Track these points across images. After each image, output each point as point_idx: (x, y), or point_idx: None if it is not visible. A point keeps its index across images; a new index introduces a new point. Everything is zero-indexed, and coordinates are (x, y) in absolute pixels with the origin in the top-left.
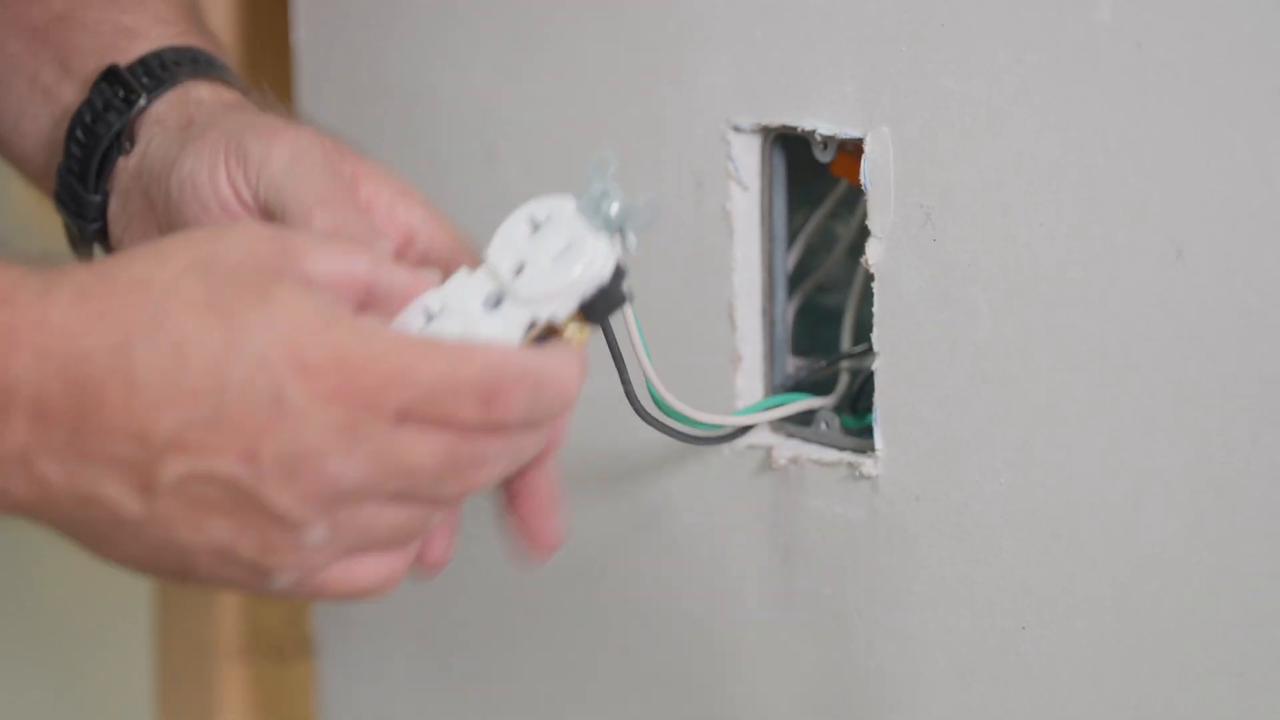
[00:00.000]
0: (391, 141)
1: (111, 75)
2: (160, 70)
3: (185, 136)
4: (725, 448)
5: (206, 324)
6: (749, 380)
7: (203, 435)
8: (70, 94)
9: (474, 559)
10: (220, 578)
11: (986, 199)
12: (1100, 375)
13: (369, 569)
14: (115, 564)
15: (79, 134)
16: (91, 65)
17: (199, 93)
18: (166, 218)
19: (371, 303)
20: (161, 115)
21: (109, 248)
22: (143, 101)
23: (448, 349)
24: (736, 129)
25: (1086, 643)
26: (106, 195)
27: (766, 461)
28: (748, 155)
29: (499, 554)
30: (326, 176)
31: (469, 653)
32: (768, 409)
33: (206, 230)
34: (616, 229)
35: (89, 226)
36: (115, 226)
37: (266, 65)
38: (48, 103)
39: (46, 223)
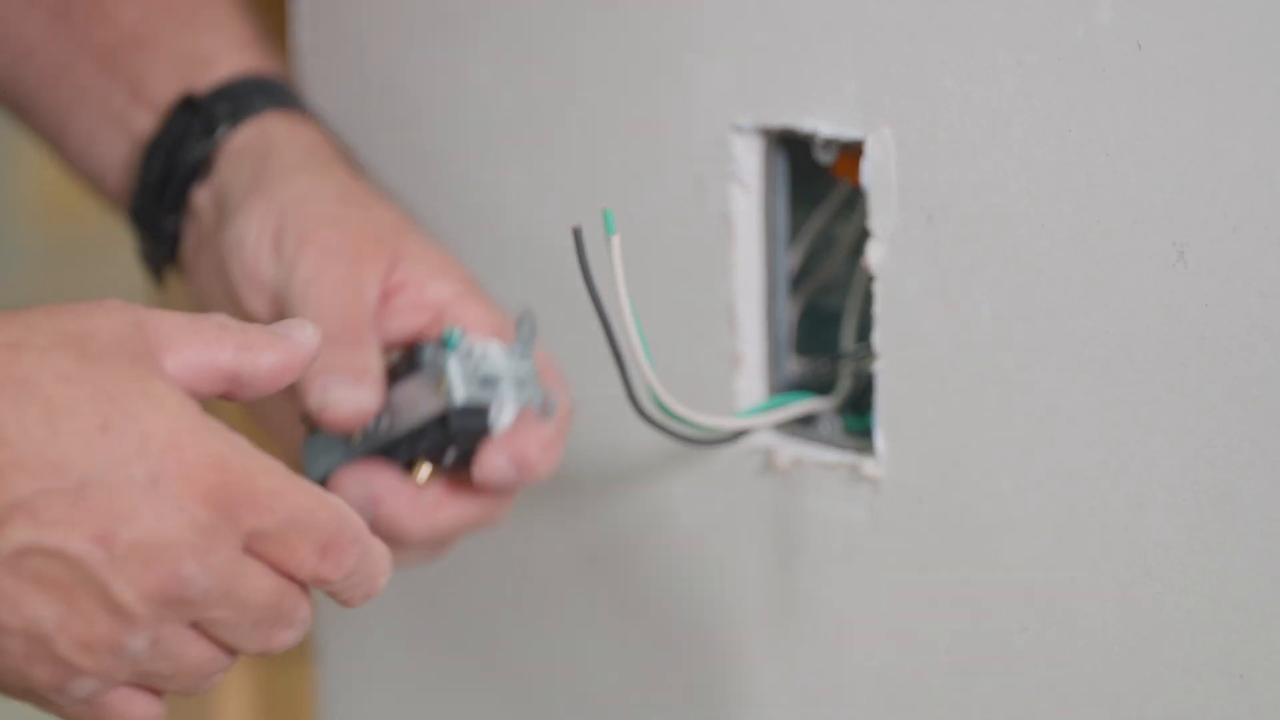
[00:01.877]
0: (391, 142)
1: (189, 104)
2: (238, 100)
3: (251, 184)
4: (726, 449)
5: (81, 398)
6: (750, 382)
7: (59, 508)
8: (144, 121)
9: (474, 562)
10: (15, 670)
11: (988, 200)
12: (1102, 377)
13: (143, 707)
14: None
15: (158, 161)
16: (166, 92)
17: (275, 129)
18: (223, 256)
19: (236, 390)
20: (239, 148)
21: (178, 267)
22: (221, 133)
23: (310, 489)
24: (738, 130)
25: (1088, 645)
26: (181, 218)
27: (768, 463)
28: (749, 156)
29: (499, 557)
30: (344, 298)
31: (469, 656)
32: (768, 410)
33: (72, 307)
34: (480, 388)
35: (162, 250)
36: (187, 249)
37: None
38: (119, 128)
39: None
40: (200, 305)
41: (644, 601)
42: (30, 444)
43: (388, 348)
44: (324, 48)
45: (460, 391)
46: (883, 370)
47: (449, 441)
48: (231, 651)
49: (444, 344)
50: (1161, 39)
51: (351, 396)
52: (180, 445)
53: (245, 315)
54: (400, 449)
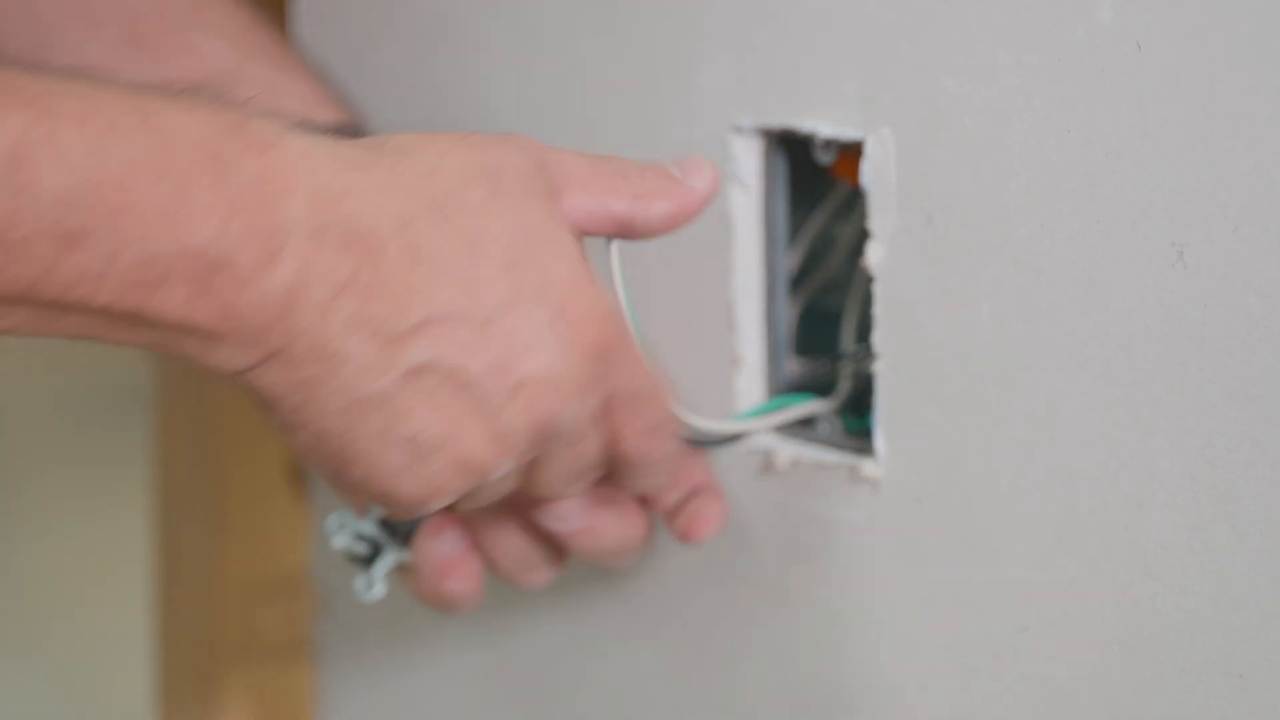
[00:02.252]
0: None
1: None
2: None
3: None
4: (725, 451)
5: (496, 232)
6: (749, 383)
7: (467, 331)
8: None
9: None
10: (386, 480)
11: (987, 201)
12: (1101, 377)
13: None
14: (286, 433)
15: None
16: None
17: None
18: None
19: (627, 233)
20: None
21: None
22: None
23: (650, 369)
24: (737, 130)
25: (1087, 645)
26: None
27: (767, 464)
28: (748, 157)
29: None
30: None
31: (468, 655)
32: (767, 414)
33: (480, 138)
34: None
35: None
36: None
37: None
38: None
39: None
40: None
41: (643, 601)
42: (448, 267)
43: None
44: (324, 46)
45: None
46: (882, 371)
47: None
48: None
49: None
50: (1161, 39)
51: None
52: (578, 294)
53: None
54: None
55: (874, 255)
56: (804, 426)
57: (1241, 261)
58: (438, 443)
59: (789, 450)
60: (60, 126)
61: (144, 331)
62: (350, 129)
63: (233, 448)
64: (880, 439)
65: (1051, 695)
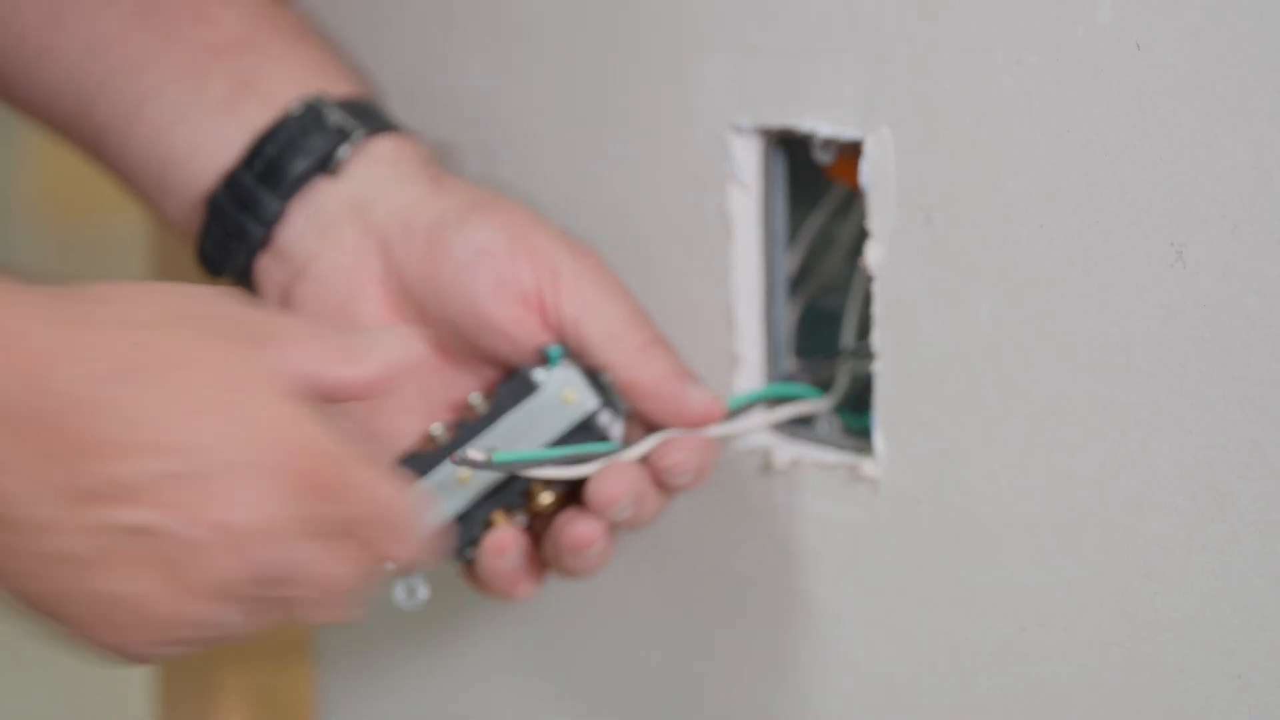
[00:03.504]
0: None
1: (316, 103)
2: (373, 113)
3: (445, 197)
4: (725, 449)
5: (209, 383)
6: (748, 382)
7: (179, 491)
8: (256, 110)
9: None
10: (118, 633)
11: (986, 201)
12: (1100, 377)
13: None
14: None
15: (278, 142)
16: (285, 91)
17: (424, 151)
18: (430, 265)
19: (330, 399)
20: (388, 154)
21: (262, 264)
22: (359, 137)
23: (395, 483)
24: (737, 130)
25: (1086, 645)
26: (286, 204)
27: (766, 463)
28: (748, 156)
29: None
30: (630, 308)
31: (468, 657)
32: (762, 399)
33: (191, 288)
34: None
35: (257, 231)
36: (299, 244)
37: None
38: (219, 113)
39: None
40: (314, 302)
41: (641, 601)
42: (142, 420)
43: None
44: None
45: (591, 397)
46: (881, 370)
47: (580, 458)
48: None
49: (548, 360)
50: (1161, 39)
51: (712, 393)
52: (286, 433)
53: (469, 322)
54: (517, 480)
55: (873, 255)
56: (803, 426)
57: (1240, 262)
58: (134, 601)
59: (788, 450)
60: None
61: None
62: (362, 102)
63: None
64: (879, 439)
65: (1050, 695)
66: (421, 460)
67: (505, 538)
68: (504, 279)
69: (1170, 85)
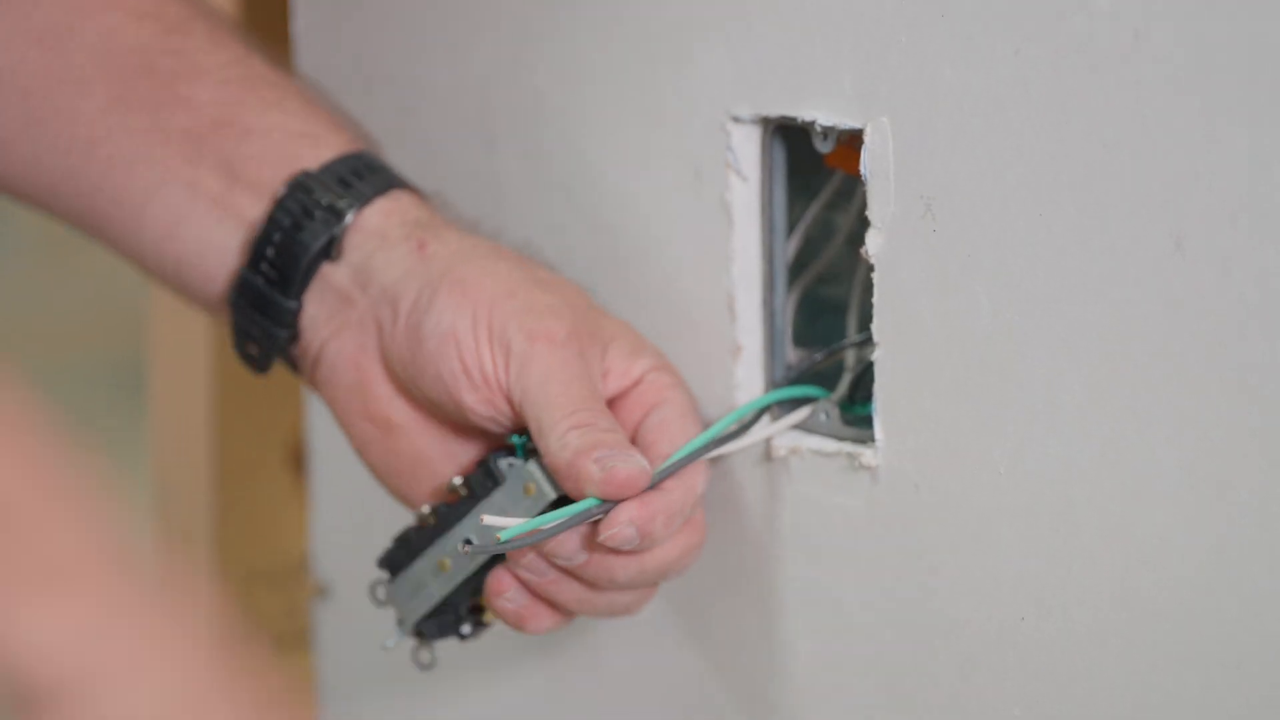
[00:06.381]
0: (389, 132)
1: (301, 184)
2: (358, 178)
3: (427, 268)
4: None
5: None
6: (749, 371)
7: None
8: (248, 202)
9: None
10: None
11: (986, 189)
12: (1099, 366)
13: None
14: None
15: (276, 241)
16: (270, 174)
17: (411, 210)
18: (408, 350)
19: None
20: (376, 227)
21: (296, 354)
22: (351, 214)
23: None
24: (736, 120)
25: (1085, 634)
26: (301, 300)
27: (765, 452)
28: (747, 146)
29: None
30: (584, 390)
31: (467, 648)
32: (766, 407)
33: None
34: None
35: (281, 333)
36: (313, 332)
37: (265, 55)
38: (216, 210)
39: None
40: (331, 386)
41: None
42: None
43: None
44: (322, 37)
45: (551, 487)
46: (881, 359)
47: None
48: None
49: (513, 452)
50: (1159, 28)
51: (632, 461)
52: None
53: (449, 405)
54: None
55: (872, 244)
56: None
57: (1239, 251)
58: None
59: (788, 438)
60: None
61: None
62: (350, 161)
63: (232, 437)
64: (879, 427)
65: (1048, 683)
66: (414, 542)
67: (502, 580)
68: (468, 365)
69: (1169, 74)
